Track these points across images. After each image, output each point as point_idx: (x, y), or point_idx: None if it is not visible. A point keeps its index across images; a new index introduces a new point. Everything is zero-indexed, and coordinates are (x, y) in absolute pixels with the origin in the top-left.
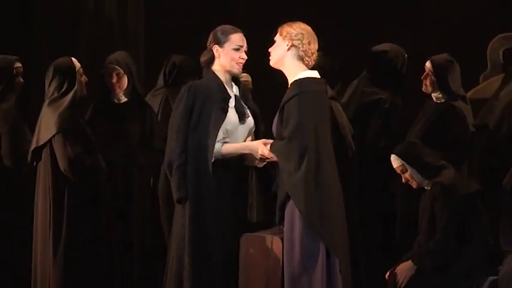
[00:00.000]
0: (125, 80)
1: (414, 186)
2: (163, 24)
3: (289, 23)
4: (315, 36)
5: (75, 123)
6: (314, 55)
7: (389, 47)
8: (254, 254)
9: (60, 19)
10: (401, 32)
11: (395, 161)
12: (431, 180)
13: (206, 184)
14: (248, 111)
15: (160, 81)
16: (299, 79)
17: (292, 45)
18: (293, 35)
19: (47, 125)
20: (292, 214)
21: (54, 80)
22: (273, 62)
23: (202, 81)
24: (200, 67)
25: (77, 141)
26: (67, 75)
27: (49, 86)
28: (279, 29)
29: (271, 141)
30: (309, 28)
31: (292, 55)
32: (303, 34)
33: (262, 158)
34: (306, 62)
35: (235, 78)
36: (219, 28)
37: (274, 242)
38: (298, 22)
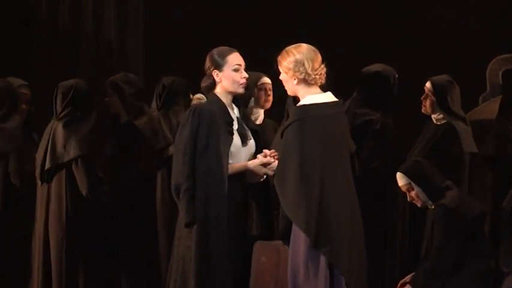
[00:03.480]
0: (114, 100)
1: (419, 205)
2: (163, 45)
3: (283, 55)
4: (312, 50)
5: (96, 148)
6: (320, 70)
7: (380, 68)
8: (265, 262)
9: (59, 41)
10: (400, 52)
11: (401, 179)
12: (436, 201)
13: (217, 207)
14: (250, 134)
15: (154, 104)
16: (301, 105)
17: (299, 79)
18: (292, 67)
19: (64, 145)
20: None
21: (71, 101)
22: (290, 94)
23: (205, 104)
24: (191, 86)
25: (98, 166)
26: (86, 100)
27: (64, 106)
28: (278, 63)
29: (264, 158)
30: (302, 48)
31: (303, 85)
32: (300, 61)
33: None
34: (319, 82)
35: (235, 100)
36: (214, 51)
37: (283, 252)
38: (290, 49)
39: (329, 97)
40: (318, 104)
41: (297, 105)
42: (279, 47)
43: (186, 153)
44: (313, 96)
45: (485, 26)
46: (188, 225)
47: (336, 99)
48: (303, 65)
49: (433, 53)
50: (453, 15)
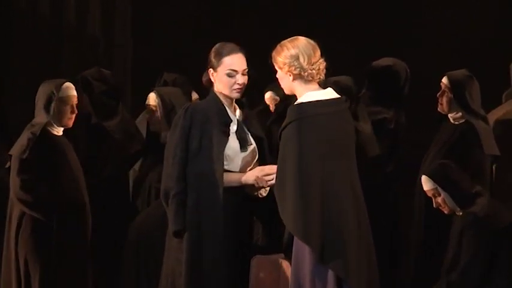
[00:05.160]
0: (84, 98)
1: (446, 212)
2: (153, 39)
3: (277, 50)
4: (308, 43)
5: (36, 149)
6: (317, 65)
7: (391, 62)
8: (264, 278)
9: (40, 35)
10: (400, 52)
11: (427, 184)
12: (465, 209)
13: (211, 214)
14: (251, 139)
15: None
16: (298, 104)
17: (294, 74)
18: (287, 63)
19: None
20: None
21: (40, 101)
22: (287, 92)
23: (201, 102)
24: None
25: (31, 169)
26: (46, 100)
27: (36, 106)
28: (273, 59)
29: (268, 169)
30: (298, 42)
31: (299, 82)
32: (295, 56)
33: (263, 188)
34: (317, 78)
35: (239, 102)
36: (215, 47)
37: (284, 266)
38: (284, 43)
39: (329, 94)
40: (317, 101)
41: (294, 103)
42: None
43: (176, 155)
44: (312, 93)
45: (486, 26)
46: (176, 234)
47: (338, 96)
48: (298, 59)
49: (433, 53)
50: (453, 15)
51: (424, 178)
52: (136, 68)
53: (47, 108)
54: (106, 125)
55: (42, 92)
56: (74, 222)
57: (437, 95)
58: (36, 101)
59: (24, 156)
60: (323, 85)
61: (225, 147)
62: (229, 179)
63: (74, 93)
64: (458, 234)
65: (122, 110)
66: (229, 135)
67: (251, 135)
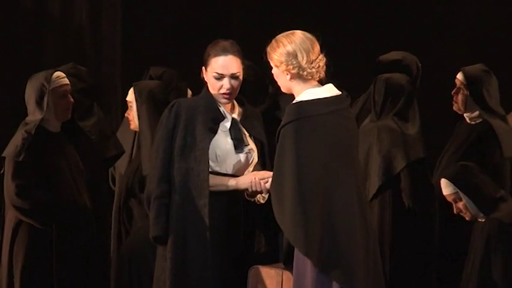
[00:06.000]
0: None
1: (467, 218)
2: (144, 30)
3: (272, 46)
4: (307, 39)
5: (32, 150)
6: (317, 62)
7: (401, 55)
8: None
9: (20, 25)
10: (412, 48)
11: (447, 188)
12: (489, 214)
13: (196, 216)
14: (249, 140)
15: None
16: (297, 102)
17: (292, 73)
18: (284, 62)
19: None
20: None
21: (31, 98)
22: (284, 90)
23: (192, 98)
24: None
25: (27, 172)
26: (38, 95)
27: (27, 104)
28: (268, 56)
29: (264, 173)
30: (295, 37)
31: (298, 81)
32: (293, 53)
33: (260, 194)
34: (317, 77)
35: (240, 100)
36: (210, 45)
37: (284, 277)
38: (280, 38)
39: (330, 90)
40: (317, 100)
41: (293, 102)
42: None
43: (158, 156)
44: (312, 90)
45: (484, 26)
46: (156, 239)
47: (339, 93)
48: (296, 57)
49: (433, 53)
50: (454, 15)
51: (444, 182)
52: (126, 61)
53: (39, 103)
54: (82, 126)
55: (32, 86)
56: (75, 228)
57: (452, 92)
58: (26, 98)
59: (20, 159)
60: (375, 82)
61: (209, 144)
62: (216, 182)
63: (67, 81)
64: (484, 244)
65: (98, 111)
66: (216, 132)
67: (251, 137)
